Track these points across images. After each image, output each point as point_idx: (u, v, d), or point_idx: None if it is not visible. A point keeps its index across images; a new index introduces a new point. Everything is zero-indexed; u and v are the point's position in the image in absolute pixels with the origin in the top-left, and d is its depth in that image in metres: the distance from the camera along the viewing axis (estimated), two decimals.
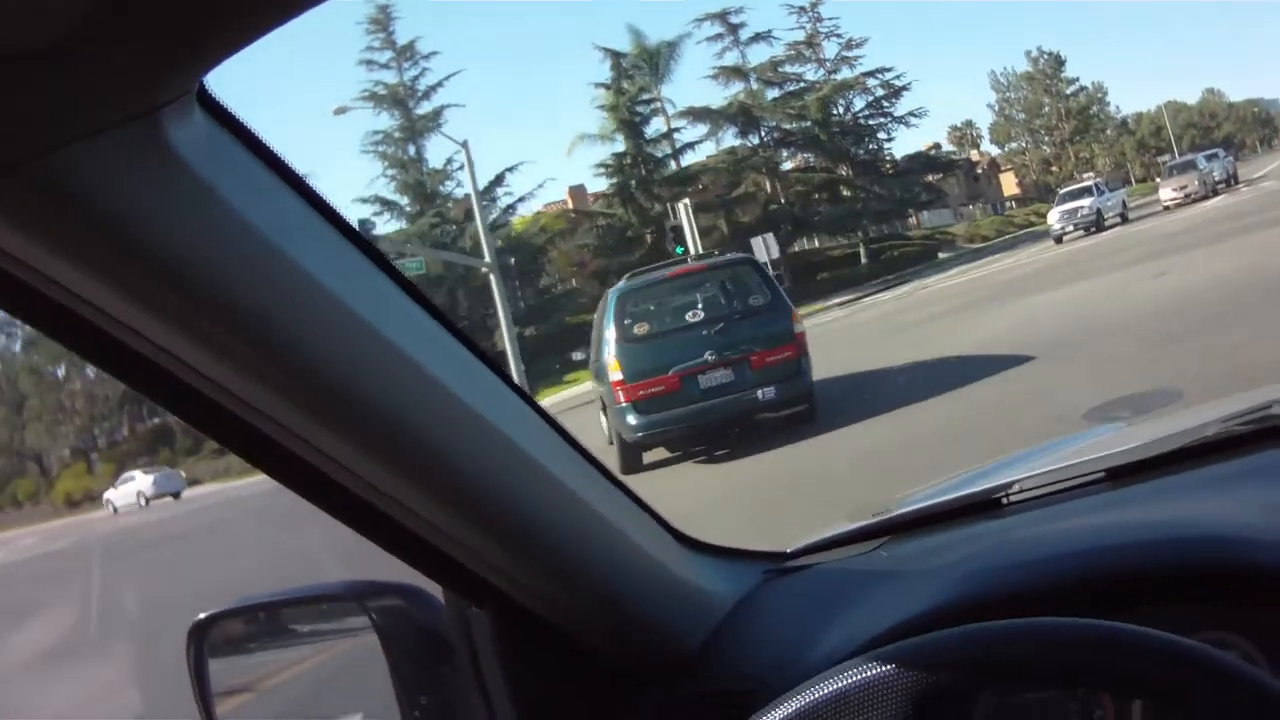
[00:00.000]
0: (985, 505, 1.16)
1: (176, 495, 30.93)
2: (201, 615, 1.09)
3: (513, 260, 27.05)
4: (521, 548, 0.87)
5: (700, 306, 8.74)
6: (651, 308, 9.00)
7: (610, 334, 8.48)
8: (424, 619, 1.01)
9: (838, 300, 27.18)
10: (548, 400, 23.49)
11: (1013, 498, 1.14)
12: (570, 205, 39.56)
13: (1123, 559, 0.90)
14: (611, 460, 8.23)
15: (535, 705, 0.99)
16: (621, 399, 8.29)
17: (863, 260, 34.39)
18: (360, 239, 0.71)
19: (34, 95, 0.50)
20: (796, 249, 35.61)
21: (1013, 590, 0.89)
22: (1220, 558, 0.85)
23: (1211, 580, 0.85)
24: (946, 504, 1.21)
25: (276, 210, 0.65)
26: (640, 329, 8.64)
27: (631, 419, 8.27)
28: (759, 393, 8.32)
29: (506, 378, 0.85)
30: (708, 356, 8.35)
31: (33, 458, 42.99)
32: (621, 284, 9.04)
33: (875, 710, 0.71)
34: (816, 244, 37.95)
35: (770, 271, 9.94)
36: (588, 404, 12.11)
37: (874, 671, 0.72)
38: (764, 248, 24.13)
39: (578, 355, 27.78)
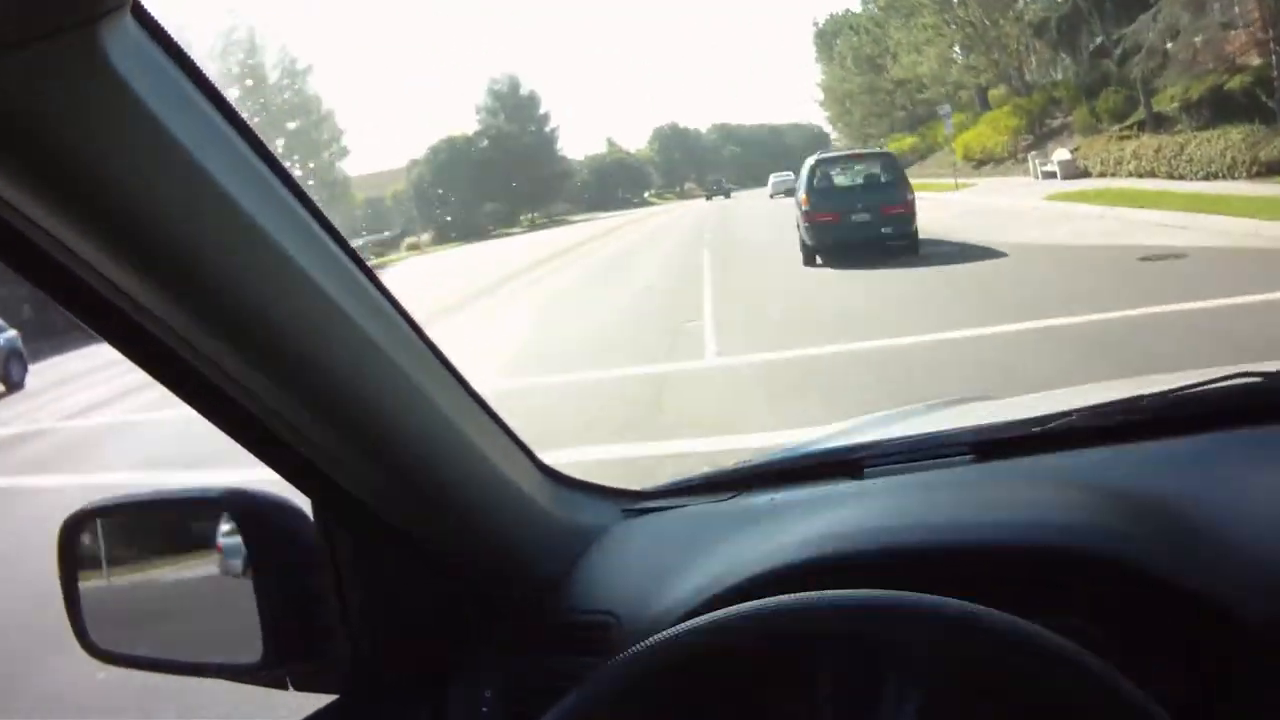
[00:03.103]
0: (844, 465, 1.15)
1: None
2: (71, 513, 1.08)
3: None
4: (388, 465, 0.90)
5: (859, 176, 14.62)
6: (831, 172, 15.06)
7: (803, 184, 14.92)
8: (293, 532, 0.99)
9: None
10: None
11: (872, 462, 1.12)
12: None
13: (974, 538, 0.89)
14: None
15: (395, 626, 1.01)
16: (806, 221, 14.82)
17: None
18: (267, 153, 0.74)
19: None
20: None
21: (858, 558, 0.89)
22: (1075, 547, 0.85)
23: (1062, 567, 0.85)
24: (805, 460, 1.23)
25: (198, 126, 0.66)
26: (822, 182, 14.88)
27: (810, 235, 14.79)
28: (882, 229, 14.17)
29: (386, 292, 0.88)
30: (857, 204, 14.34)
31: None
32: (814, 157, 15.38)
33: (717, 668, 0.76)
34: None
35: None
36: None
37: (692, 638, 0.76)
38: None
39: None
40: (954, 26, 37.34)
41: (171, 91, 0.64)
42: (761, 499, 1.14)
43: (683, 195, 74.19)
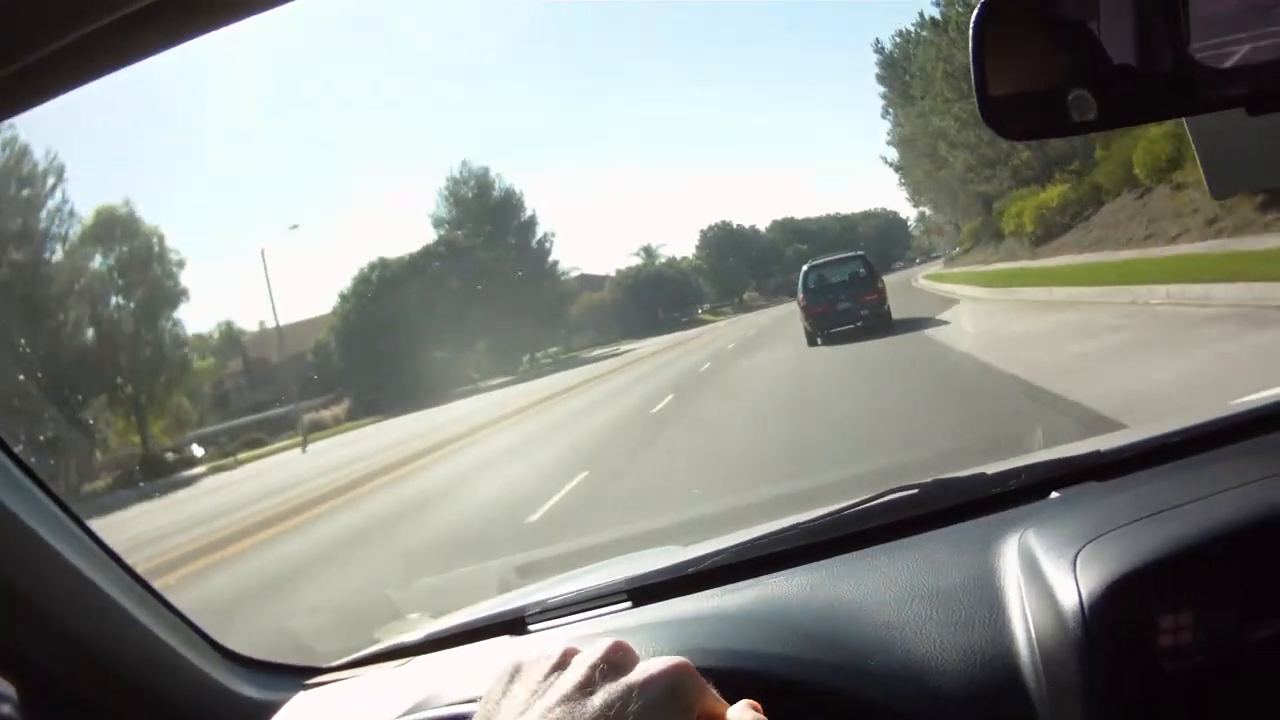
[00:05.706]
0: (509, 625, 1.23)
1: None
2: None
3: None
4: (78, 655, 1.05)
5: (842, 274, 19.62)
6: (822, 273, 20.13)
7: (801, 285, 19.92)
8: (6, 718, 1.05)
9: None
10: None
11: (535, 618, 1.20)
12: None
13: None
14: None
15: None
16: (805, 314, 19.65)
17: None
18: (10, 450, 0.96)
19: None
20: None
21: None
22: (720, 669, 0.87)
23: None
24: (473, 624, 1.30)
25: None
26: (815, 283, 19.90)
27: (809, 323, 19.57)
28: (862, 312, 19.00)
29: (72, 513, 1.06)
30: (841, 296, 19.22)
31: None
32: (806, 265, 20.47)
33: None
34: None
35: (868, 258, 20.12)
36: None
37: None
38: None
39: None
40: None
41: None
42: (430, 662, 1.25)
43: (743, 307, 56.31)
